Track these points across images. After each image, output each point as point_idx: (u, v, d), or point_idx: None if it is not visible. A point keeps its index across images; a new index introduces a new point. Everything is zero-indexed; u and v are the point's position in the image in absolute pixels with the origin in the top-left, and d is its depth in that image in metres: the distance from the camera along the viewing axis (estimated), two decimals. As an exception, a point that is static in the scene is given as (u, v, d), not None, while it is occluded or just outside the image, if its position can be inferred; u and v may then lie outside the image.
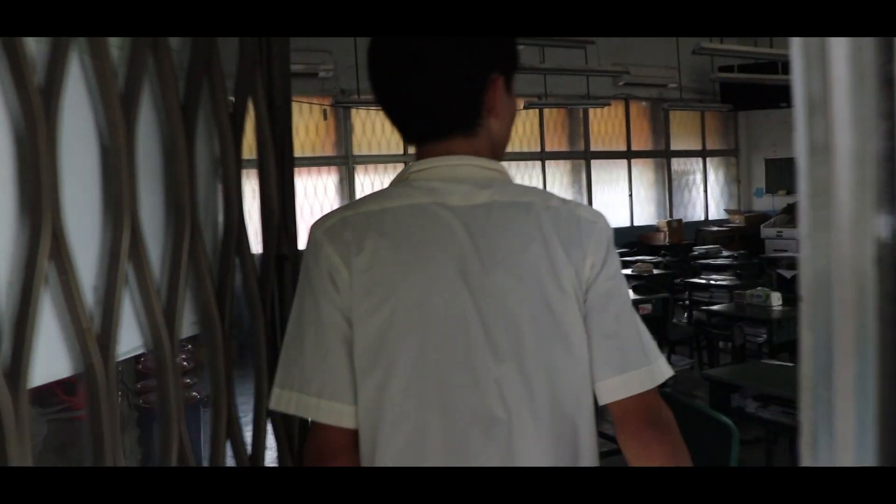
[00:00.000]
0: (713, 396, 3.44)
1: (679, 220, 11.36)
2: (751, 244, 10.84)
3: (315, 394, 1.00)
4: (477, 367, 0.98)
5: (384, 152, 9.77)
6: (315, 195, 9.47)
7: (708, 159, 12.41)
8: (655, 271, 7.62)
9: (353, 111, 9.46)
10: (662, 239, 10.95)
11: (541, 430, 1.00)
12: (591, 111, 11.05)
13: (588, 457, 1.05)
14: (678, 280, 7.77)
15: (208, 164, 1.28)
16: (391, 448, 0.99)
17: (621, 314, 1.06)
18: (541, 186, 8.73)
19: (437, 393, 0.99)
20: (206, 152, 1.27)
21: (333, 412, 1.00)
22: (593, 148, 11.30)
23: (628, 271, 7.19)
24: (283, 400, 1.02)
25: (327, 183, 9.57)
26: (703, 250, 9.78)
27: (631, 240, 10.80)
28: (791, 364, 3.71)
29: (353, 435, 1.01)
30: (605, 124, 11.43)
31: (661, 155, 11.94)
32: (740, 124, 12.50)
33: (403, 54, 1.03)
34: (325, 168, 9.56)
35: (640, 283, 6.80)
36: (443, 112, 1.05)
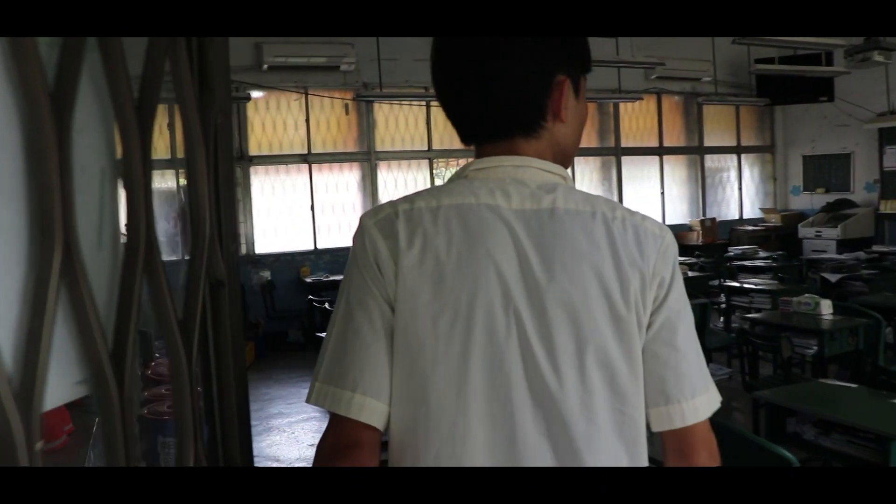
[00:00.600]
0: (763, 418, 3.10)
1: (713, 219, 11.13)
2: (787, 244, 10.60)
3: (350, 388, 0.96)
4: (531, 378, 0.95)
5: (408, 148, 9.59)
6: (336, 192, 9.35)
7: (743, 156, 12.15)
8: (690, 273, 7.28)
9: (376, 105, 9.38)
10: (696, 238, 10.75)
11: (599, 446, 0.96)
12: (622, 106, 10.84)
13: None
14: (714, 282, 7.43)
15: (107, 163, 0.94)
16: (429, 452, 0.95)
17: (688, 337, 1.02)
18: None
19: (483, 403, 0.95)
20: (103, 148, 0.94)
21: (365, 408, 0.95)
22: (624, 144, 11.10)
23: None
24: (321, 395, 0.98)
25: (349, 179, 9.47)
26: (740, 251, 9.55)
27: (663, 239, 10.56)
28: (854, 385, 3.34)
29: (375, 435, 0.97)
30: (636, 119, 11.18)
31: (695, 151, 11.70)
32: (777, 119, 12.20)
33: (466, 53, 1.02)
34: (346, 164, 9.43)
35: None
36: (503, 113, 1.03)
